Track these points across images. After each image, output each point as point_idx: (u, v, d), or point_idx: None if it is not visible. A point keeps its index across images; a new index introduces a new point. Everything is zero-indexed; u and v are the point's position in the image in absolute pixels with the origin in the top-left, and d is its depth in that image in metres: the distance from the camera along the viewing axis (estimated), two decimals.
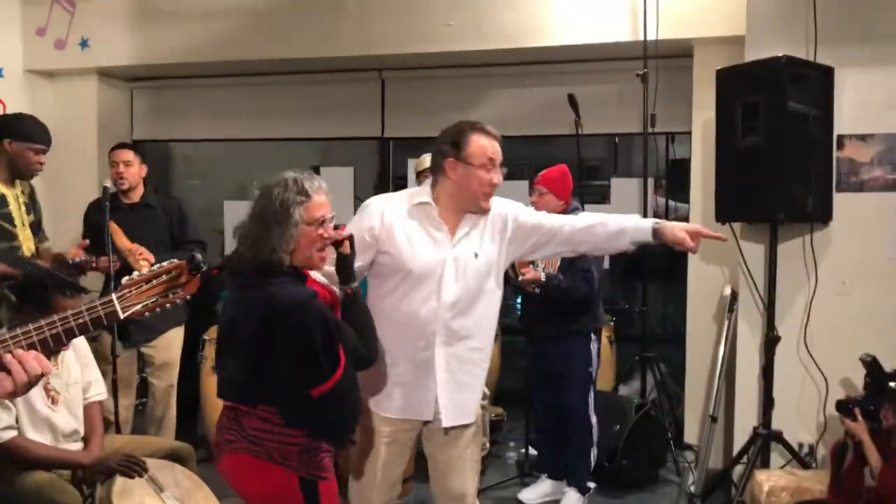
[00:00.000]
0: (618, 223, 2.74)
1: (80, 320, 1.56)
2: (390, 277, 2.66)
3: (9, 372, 1.50)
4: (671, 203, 5.99)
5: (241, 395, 2.34)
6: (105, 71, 5.78)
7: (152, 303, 1.63)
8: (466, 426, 2.80)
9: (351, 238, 2.47)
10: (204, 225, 6.68)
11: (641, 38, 4.65)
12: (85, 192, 4.96)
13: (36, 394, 2.95)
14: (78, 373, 3.18)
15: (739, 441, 4.10)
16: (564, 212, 4.01)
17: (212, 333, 4.64)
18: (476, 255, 2.69)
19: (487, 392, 4.71)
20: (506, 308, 4.71)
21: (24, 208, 3.51)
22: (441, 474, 2.84)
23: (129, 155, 4.21)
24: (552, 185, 4.06)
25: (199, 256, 1.68)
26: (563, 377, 4.09)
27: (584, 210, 4.14)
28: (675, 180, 5.60)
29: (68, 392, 3.10)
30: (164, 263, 1.66)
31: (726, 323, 4.49)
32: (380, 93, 5.75)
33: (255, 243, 2.26)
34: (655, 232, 2.67)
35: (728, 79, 3.95)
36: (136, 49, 5.54)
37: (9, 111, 5.12)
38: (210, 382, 4.54)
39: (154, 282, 1.63)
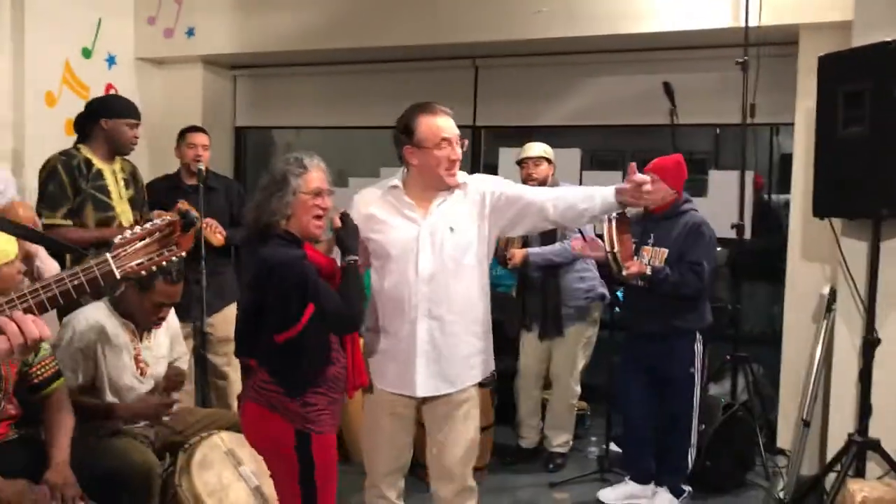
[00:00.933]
0: (588, 192, 2.73)
1: (76, 281, 1.56)
2: (377, 260, 2.76)
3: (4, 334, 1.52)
4: (774, 198, 5.75)
5: (246, 348, 2.57)
6: (209, 59, 6.00)
7: (148, 261, 1.64)
8: (461, 403, 2.81)
9: (344, 215, 2.63)
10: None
11: (743, 25, 4.46)
12: (169, 172, 5.13)
13: (126, 365, 3.09)
14: (167, 348, 3.32)
15: (834, 448, 3.89)
16: (675, 203, 3.89)
17: None
18: (451, 230, 2.72)
19: (578, 389, 4.63)
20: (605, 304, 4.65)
21: (122, 183, 3.69)
22: (436, 451, 2.86)
23: (205, 138, 4.36)
24: (664, 173, 3.87)
25: (192, 213, 1.72)
26: (666, 377, 3.95)
27: (692, 203, 4.00)
28: (781, 175, 5.36)
29: (157, 366, 3.23)
30: (157, 221, 1.66)
31: (824, 323, 4.26)
32: (472, 81, 5.74)
33: (256, 209, 2.52)
34: (617, 192, 2.63)
35: (830, 66, 3.74)
36: (238, 37, 5.72)
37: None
38: None
39: (148, 240, 1.63)
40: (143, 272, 1.64)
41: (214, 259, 4.22)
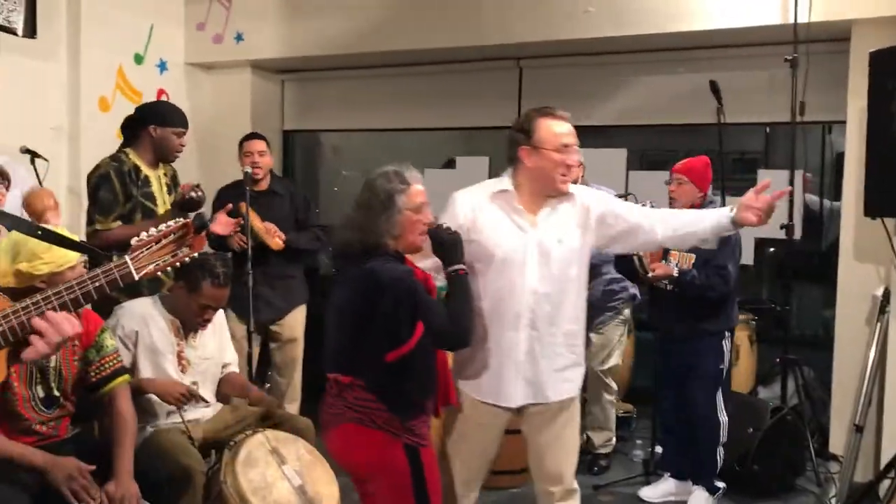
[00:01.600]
0: (698, 217, 2.79)
1: (97, 283, 1.63)
2: (478, 263, 2.70)
3: (40, 334, 1.59)
4: (826, 200, 5.63)
5: (341, 365, 2.49)
6: (258, 63, 6.09)
7: (163, 262, 1.70)
8: (560, 412, 2.80)
9: (440, 226, 2.56)
10: (348, 212, 6.95)
11: (792, 21, 4.38)
12: (239, 178, 5.24)
13: (168, 360, 3.17)
14: (214, 350, 3.37)
15: (888, 453, 3.80)
16: (701, 204, 3.88)
17: None
18: (560, 241, 2.70)
19: (616, 387, 4.61)
20: (643, 303, 4.62)
21: (165, 189, 3.74)
22: (538, 456, 2.88)
23: (262, 145, 4.42)
24: (692, 174, 3.96)
25: (205, 215, 1.76)
26: (691, 374, 3.94)
27: (720, 204, 3.98)
28: (834, 174, 5.24)
29: (201, 365, 3.29)
30: (171, 223, 1.71)
31: (877, 325, 4.16)
32: (517, 81, 5.73)
33: (362, 229, 2.46)
34: (734, 221, 2.66)
35: (883, 62, 3.65)
36: (286, 42, 5.80)
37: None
38: None
39: (163, 242, 1.69)
40: (160, 273, 1.71)
41: (282, 263, 4.32)
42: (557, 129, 2.68)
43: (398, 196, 2.44)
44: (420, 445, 2.48)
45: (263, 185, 4.41)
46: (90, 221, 3.56)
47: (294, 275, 4.49)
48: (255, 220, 4.12)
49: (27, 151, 4.46)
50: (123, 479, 2.61)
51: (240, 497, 2.83)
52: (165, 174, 3.80)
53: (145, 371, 3.14)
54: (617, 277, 4.45)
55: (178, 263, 1.73)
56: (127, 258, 1.66)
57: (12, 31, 4.81)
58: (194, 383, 3.21)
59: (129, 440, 2.72)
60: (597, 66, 5.45)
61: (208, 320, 3.22)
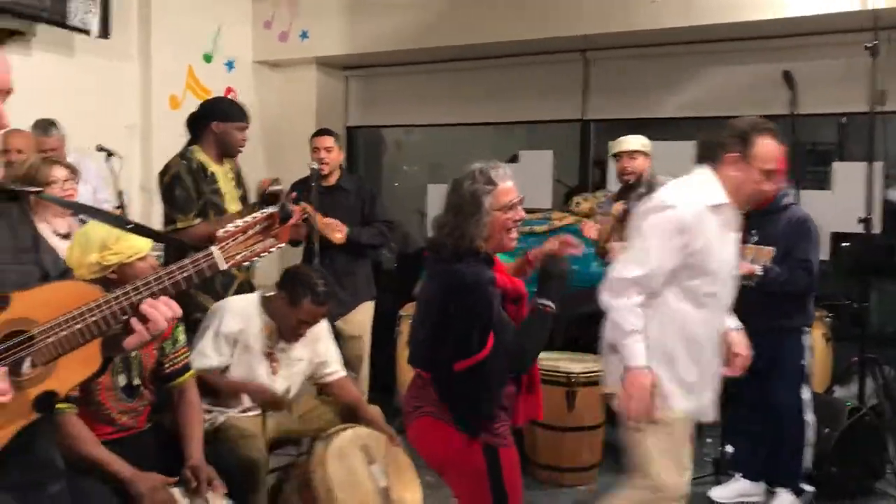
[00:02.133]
0: None
1: (185, 273, 1.63)
2: (690, 280, 2.59)
3: (144, 321, 1.60)
4: None
5: (422, 360, 2.50)
6: (322, 60, 6.15)
7: (250, 252, 1.68)
8: None
9: (553, 257, 2.54)
10: (409, 207, 6.98)
11: (871, 7, 4.22)
12: (305, 174, 5.29)
13: (260, 361, 3.21)
14: (305, 351, 3.37)
15: None
16: (775, 198, 3.75)
17: (408, 310, 4.82)
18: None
19: None
20: None
21: (232, 184, 3.78)
22: None
23: (330, 141, 4.46)
24: None
25: (288, 206, 1.73)
26: (773, 373, 3.79)
27: (794, 197, 3.85)
28: None
29: (292, 367, 3.31)
30: (256, 214, 1.70)
31: None
32: (582, 74, 5.66)
33: (452, 233, 2.42)
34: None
35: None
36: (350, 38, 5.84)
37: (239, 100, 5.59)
38: (405, 356, 4.71)
39: (250, 232, 1.68)
40: (246, 263, 1.71)
41: (347, 259, 4.35)
42: (774, 153, 2.60)
43: (485, 197, 2.39)
44: (500, 445, 2.44)
45: (331, 181, 4.44)
46: (170, 221, 3.60)
47: (359, 271, 4.51)
48: (317, 217, 4.14)
49: (102, 149, 4.57)
50: (199, 462, 2.64)
51: (326, 489, 2.81)
52: (231, 169, 3.85)
53: (237, 369, 3.18)
54: None
55: (263, 254, 1.72)
56: (214, 249, 1.66)
57: (87, 32, 4.94)
58: (287, 389, 3.26)
59: (200, 428, 2.76)
60: (664, 56, 5.35)
61: (302, 335, 3.24)
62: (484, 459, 2.42)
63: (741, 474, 4.04)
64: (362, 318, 4.54)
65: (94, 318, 1.57)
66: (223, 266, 1.66)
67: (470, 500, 2.51)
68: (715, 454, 4.44)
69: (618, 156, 4.38)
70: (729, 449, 4.28)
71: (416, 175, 7.37)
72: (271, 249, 1.72)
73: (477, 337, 2.34)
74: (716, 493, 4.03)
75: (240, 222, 1.70)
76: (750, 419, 3.99)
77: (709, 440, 4.79)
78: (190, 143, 3.80)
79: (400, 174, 7.61)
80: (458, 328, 2.36)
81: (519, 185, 2.52)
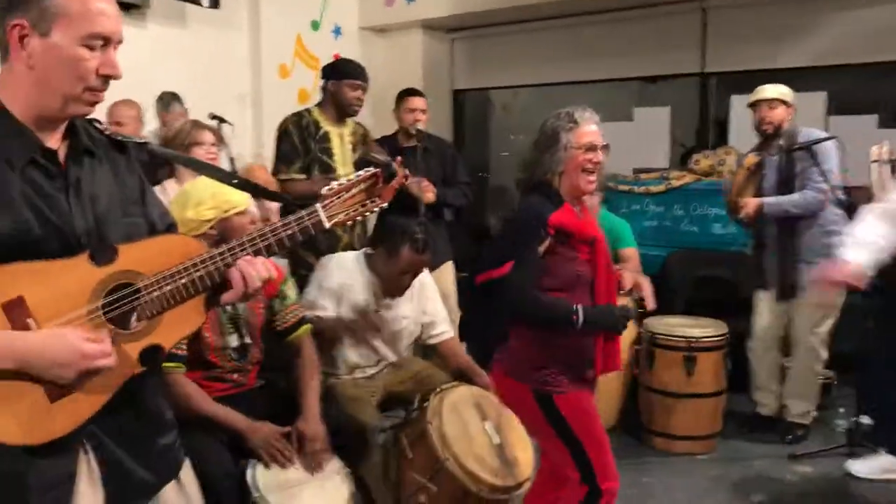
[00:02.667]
0: None
1: (289, 231, 1.62)
2: None
3: (242, 278, 1.59)
4: None
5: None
6: (428, 23, 6.07)
7: (354, 212, 1.67)
8: None
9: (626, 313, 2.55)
10: (513, 168, 6.86)
11: None
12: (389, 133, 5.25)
13: (364, 317, 3.19)
14: (411, 311, 3.34)
15: None
16: None
17: None
18: None
19: (825, 355, 4.22)
20: None
21: (348, 147, 3.82)
22: None
23: (423, 102, 4.40)
24: None
25: (394, 165, 1.69)
26: None
27: None
28: None
29: (396, 325, 3.29)
30: (361, 173, 1.68)
31: None
32: (699, 24, 5.36)
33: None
34: None
35: None
36: (454, 0, 5.73)
37: None
38: None
39: (353, 191, 1.66)
40: (350, 222, 1.69)
41: (427, 219, 4.27)
42: None
43: (564, 133, 2.44)
44: (554, 393, 2.44)
45: (414, 141, 4.38)
46: (274, 173, 3.75)
47: (438, 231, 4.40)
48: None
49: (214, 117, 4.66)
50: (312, 420, 2.64)
51: (442, 440, 2.75)
52: (353, 134, 3.88)
53: (346, 328, 3.18)
54: (831, 230, 3.93)
55: (367, 214, 1.70)
56: (318, 206, 1.64)
57: (198, 3, 5.03)
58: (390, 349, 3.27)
59: (316, 384, 2.76)
60: (790, 2, 4.98)
61: (406, 287, 3.19)
62: (538, 407, 2.45)
63: (886, 449, 3.73)
64: (445, 277, 4.46)
65: (198, 274, 1.56)
66: (326, 225, 1.64)
67: (550, 451, 2.57)
68: (848, 424, 4.17)
69: (755, 106, 4.10)
70: (864, 420, 4.00)
71: (524, 141, 7.22)
72: (374, 209, 1.69)
73: (503, 254, 2.43)
74: (856, 467, 3.75)
75: (344, 180, 1.68)
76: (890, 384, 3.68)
77: (841, 409, 4.52)
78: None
79: (507, 140, 7.47)
80: (494, 248, 2.49)
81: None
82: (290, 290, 2.86)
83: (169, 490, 1.71)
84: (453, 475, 2.69)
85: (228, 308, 2.66)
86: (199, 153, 3.26)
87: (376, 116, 5.72)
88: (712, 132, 5.81)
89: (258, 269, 1.60)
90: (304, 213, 1.64)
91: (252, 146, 5.48)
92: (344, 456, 2.68)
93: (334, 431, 2.72)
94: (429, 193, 4.14)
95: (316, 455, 2.57)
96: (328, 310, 3.15)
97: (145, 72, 4.45)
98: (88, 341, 1.44)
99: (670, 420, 4.00)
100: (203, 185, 2.51)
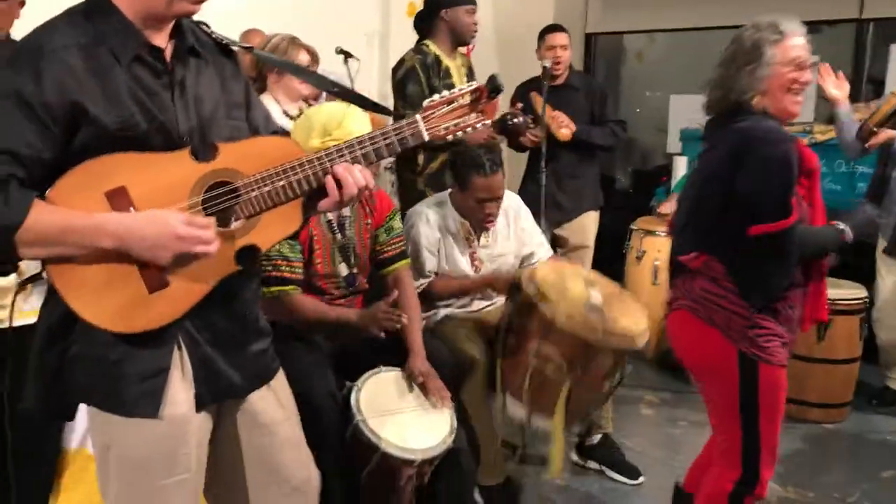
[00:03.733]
0: None
1: (388, 140, 1.58)
2: None
3: (338, 185, 1.56)
4: None
5: (696, 243, 2.24)
6: None
7: (454, 126, 1.62)
8: None
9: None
10: (649, 123, 6.58)
11: None
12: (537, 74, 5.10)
13: (460, 260, 3.14)
14: (509, 245, 3.27)
15: None
16: None
17: (640, 224, 4.54)
18: None
19: None
20: None
21: (464, 80, 3.69)
22: None
23: (564, 38, 4.21)
24: None
25: (498, 79, 1.64)
26: None
27: None
28: None
29: (495, 262, 3.21)
30: (463, 87, 1.64)
31: None
32: None
33: (722, 86, 2.21)
34: None
35: None
36: None
37: None
38: (634, 272, 4.46)
39: (455, 104, 1.62)
40: (450, 136, 1.63)
41: (574, 162, 4.13)
42: None
43: (767, 47, 2.13)
44: (761, 360, 2.16)
45: (561, 80, 4.21)
46: (398, 117, 3.61)
47: (586, 175, 4.25)
48: (545, 109, 3.94)
49: (341, 52, 4.67)
50: (421, 357, 2.64)
51: (537, 286, 2.59)
52: (463, 64, 3.78)
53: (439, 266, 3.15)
54: None
55: (468, 129, 1.64)
56: (418, 117, 1.60)
57: None
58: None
59: (418, 319, 2.74)
60: None
61: (492, 215, 3.08)
62: (737, 369, 2.17)
63: None
64: (585, 226, 4.27)
65: (297, 177, 1.55)
66: (426, 136, 1.61)
67: (718, 408, 2.29)
68: None
69: None
70: None
71: (658, 92, 6.89)
72: (477, 125, 1.65)
73: (774, 201, 2.09)
74: None
75: (446, 93, 1.64)
76: None
77: None
78: (420, 39, 3.77)
79: (639, 94, 7.16)
80: (754, 188, 2.10)
81: None
82: (396, 222, 2.85)
83: (260, 396, 1.73)
84: (564, 330, 2.49)
85: (340, 237, 2.68)
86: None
87: (502, 56, 5.59)
88: (866, 86, 5.35)
89: (355, 176, 1.57)
90: (403, 122, 1.60)
91: (378, 84, 5.47)
92: (449, 388, 2.66)
93: (442, 365, 2.70)
94: (563, 129, 3.99)
95: (437, 391, 2.57)
96: (429, 264, 3.09)
97: (276, 6, 4.49)
98: (189, 225, 1.45)
99: (800, 386, 3.74)
100: (329, 114, 2.44)
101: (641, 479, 3.16)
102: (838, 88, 3.74)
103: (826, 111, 5.32)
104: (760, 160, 2.09)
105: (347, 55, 4.68)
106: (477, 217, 3.08)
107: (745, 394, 2.18)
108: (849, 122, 3.76)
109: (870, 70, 5.33)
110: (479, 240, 3.17)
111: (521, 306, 2.67)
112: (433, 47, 3.68)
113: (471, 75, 3.81)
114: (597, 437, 3.25)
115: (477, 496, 2.91)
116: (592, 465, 3.28)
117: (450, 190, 3.20)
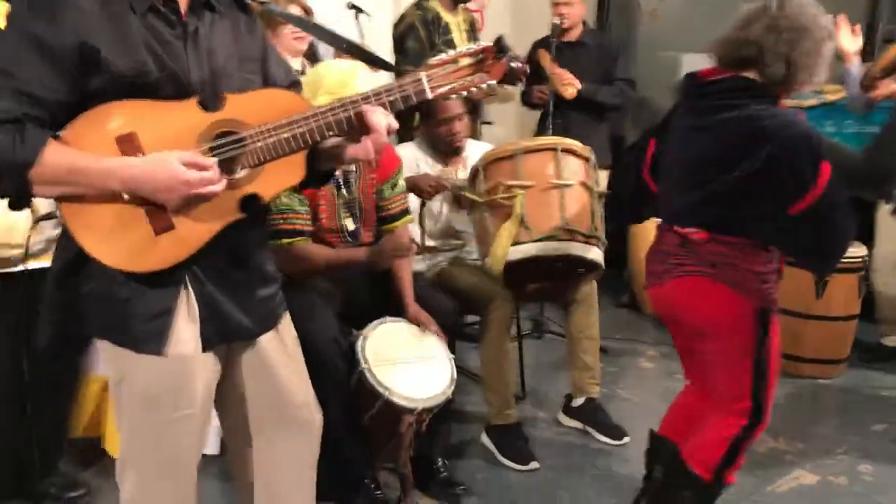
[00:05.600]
0: None
1: (391, 97, 1.62)
2: None
3: (365, 131, 1.61)
4: None
5: (698, 219, 2.29)
6: None
7: (458, 85, 1.64)
8: None
9: None
10: (660, 81, 6.54)
11: None
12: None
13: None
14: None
15: None
16: None
17: None
18: None
19: None
20: None
21: (464, 35, 3.72)
22: None
23: None
24: None
25: (505, 40, 1.64)
26: None
27: None
28: None
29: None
30: (471, 46, 1.65)
31: None
32: None
33: (768, 62, 2.16)
34: None
35: None
36: None
37: None
38: (640, 229, 4.49)
39: (460, 63, 1.64)
40: (454, 95, 1.66)
41: (581, 120, 4.12)
42: None
43: (827, 42, 2.16)
44: (772, 311, 2.29)
45: (572, 36, 4.21)
46: (399, 73, 3.64)
47: (594, 135, 4.24)
48: (549, 64, 3.95)
49: (352, 7, 4.67)
50: (413, 307, 2.76)
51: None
52: (465, 20, 3.79)
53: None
54: None
55: (472, 88, 1.67)
56: (421, 74, 1.63)
57: None
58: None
59: (409, 274, 2.84)
60: None
61: (458, 134, 3.24)
62: (754, 322, 2.26)
63: None
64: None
65: (301, 130, 1.60)
66: (429, 95, 1.63)
67: (728, 362, 2.34)
68: None
69: None
70: None
71: (671, 52, 6.83)
72: (482, 85, 1.67)
73: (808, 173, 2.12)
74: None
75: (452, 52, 1.66)
76: None
77: None
78: None
79: (651, 55, 7.10)
80: (782, 174, 2.13)
81: None
82: (401, 179, 2.92)
83: (268, 340, 1.81)
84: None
85: (345, 193, 2.74)
86: (284, 31, 3.18)
87: (515, 14, 5.57)
88: (879, 46, 5.30)
89: (390, 119, 1.62)
90: (407, 79, 1.63)
91: (389, 39, 5.47)
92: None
93: (438, 313, 2.80)
94: (569, 87, 3.99)
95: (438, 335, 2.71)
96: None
97: None
98: (193, 167, 1.50)
99: (796, 342, 3.82)
100: (335, 73, 2.47)
101: (626, 439, 3.18)
102: (851, 42, 3.71)
103: (838, 71, 5.31)
104: (787, 150, 2.11)
105: (358, 10, 4.69)
106: (445, 140, 3.23)
107: (760, 343, 2.28)
108: (857, 76, 3.74)
109: (885, 33, 5.27)
110: (457, 174, 3.30)
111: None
112: (434, 3, 3.70)
113: (472, 31, 3.82)
114: (581, 400, 3.28)
115: (485, 438, 3.10)
116: (576, 424, 3.29)
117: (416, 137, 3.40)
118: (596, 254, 2.88)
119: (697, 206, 2.29)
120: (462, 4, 3.80)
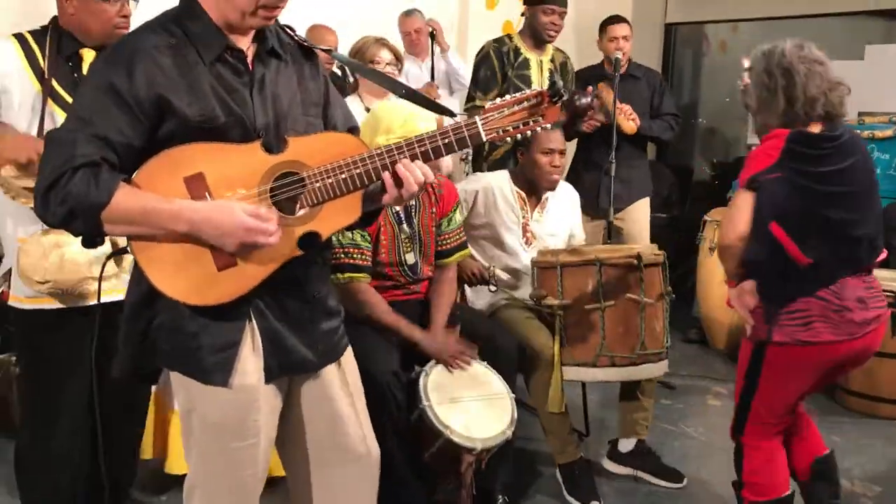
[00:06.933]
0: None
1: (446, 140, 1.67)
2: None
3: (399, 183, 1.67)
4: None
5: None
6: None
7: (513, 128, 1.69)
8: None
9: None
10: (732, 113, 6.46)
11: None
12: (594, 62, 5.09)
13: (513, 230, 3.26)
14: (561, 227, 3.39)
15: None
16: None
17: (713, 215, 4.51)
18: None
19: None
20: None
21: (546, 73, 3.82)
22: None
23: (626, 29, 4.24)
24: None
25: (559, 84, 1.67)
26: None
27: None
28: None
29: (546, 240, 3.31)
30: (526, 91, 1.70)
31: None
32: None
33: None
34: None
35: None
36: None
37: None
38: (708, 263, 4.45)
39: (516, 108, 1.69)
40: (508, 139, 1.71)
41: (629, 150, 4.16)
42: None
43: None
44: (769, 342, 2.32)
45: (622, 70, 4.23)
46: (469, 99, 3.82)
47: (638, 164, 4.29)
48: (612, 100, 3.97)
49: (430, 35, 4.86)
50: (438, 332, 2.77)
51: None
52: (553, 59, 3.88)
53: (495, 239, 3.28)
54: None
55: (527, 132, 1.72)
56: (477, 119, 1.68)
57: None
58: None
59: (447, 302, 2.87)
60: None
61: (557, 167, 3.19)
62: (750, 349, 2.39)
63: None
64: (640, 215, 4.30)
65: (358, 171, 1.67)
66: (484, 137, 1.69)
67: None
68: None
69: None
70: None
71: (737, 79, 6.74)
72: (536, 129, 1.72)
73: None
74: None
75: (508, 97, 1.72)
76: None
77: None
78: None
79: (722, 82, 7.03)
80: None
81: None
82: (459, 214, 2.95)
83: (329, 372, 1.86)
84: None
85: (406, 228, 2.78)
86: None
87: (580, 43, 5.59)
88: None
89: (415, 173, 1.67)
90: (462, 122, 1.68)
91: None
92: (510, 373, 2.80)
93: (500, 350, 2.81)
94: (630, 122, 4.03)
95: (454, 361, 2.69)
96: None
97: None
98: (254, 217, 1.58)
99: (869, 381, 3.69)
100: (394, 113, 2.54)
101: (685, 482, 3.09)
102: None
103: None
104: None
105: (433, 37, 4.87)
106: (543, 171, 3.19)
107: (750, 372, 2.41)
108: None
109: None
110: (532, 214, 3.28)
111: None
112: (516, 39, 3.87)
113: (563, 71, 3.92)
114: (631, 444, 3.17)
115: (558, 473, 3.04)
116: (627, 471, 3.17)
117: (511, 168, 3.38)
118: (663, 366, 3.00)
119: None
120: (549, 44, 3.87)
